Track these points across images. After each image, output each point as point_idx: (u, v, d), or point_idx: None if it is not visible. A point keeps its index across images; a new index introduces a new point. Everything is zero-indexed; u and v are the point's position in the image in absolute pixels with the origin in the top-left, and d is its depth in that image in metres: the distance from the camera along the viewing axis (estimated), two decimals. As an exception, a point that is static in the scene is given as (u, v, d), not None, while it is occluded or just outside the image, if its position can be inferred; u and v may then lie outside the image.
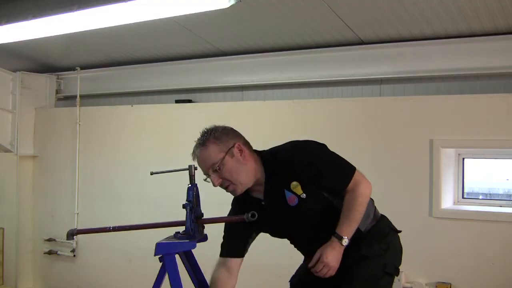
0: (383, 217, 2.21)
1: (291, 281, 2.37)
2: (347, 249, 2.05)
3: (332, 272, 1.99)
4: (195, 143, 2.12)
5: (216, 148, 2.05)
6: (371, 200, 2.18)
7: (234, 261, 2.22)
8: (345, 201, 2.00)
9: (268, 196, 2.11)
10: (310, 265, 2.03)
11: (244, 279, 3.97)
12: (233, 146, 2.05)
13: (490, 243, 3.19)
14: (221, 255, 2.25)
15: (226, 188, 2.10)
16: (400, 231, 2.21)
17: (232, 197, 2.20)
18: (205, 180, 2.10)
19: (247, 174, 2.07)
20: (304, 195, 2.02)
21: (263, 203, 2.12)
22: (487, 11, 3.03)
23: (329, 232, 2.00)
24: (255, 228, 2.18)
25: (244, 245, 2.23)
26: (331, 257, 1.97)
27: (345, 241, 1.97)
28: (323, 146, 2.13)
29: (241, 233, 2.21)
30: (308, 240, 2.14)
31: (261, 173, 2.10)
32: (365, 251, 2.07)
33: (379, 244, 2.08)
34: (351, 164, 2.07)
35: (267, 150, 2.17)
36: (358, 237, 2.07)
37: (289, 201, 2.05)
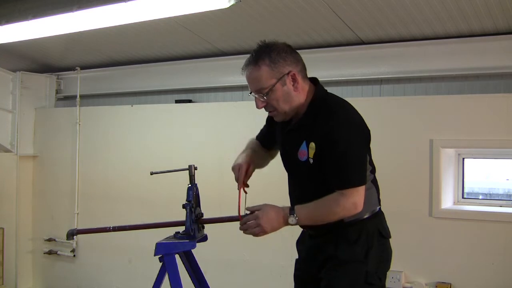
0: (377, 216, 2.05)
1: (293, 277, 2.31)
2: (324, 243, 2.01)
3: (258, 234, 1.88)
4: (248, 56, 1.98)
5: (268, 72, 1.90)
6: (377, 201, 2.07)
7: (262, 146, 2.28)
8: (328, 196, 1.86)
9: (294, 132, 2.03)
10: (244, 219, 1.92)
11: (245, 279, 3.99)
12: (287, 74, 1.91)
13: (490, 243, 3.19)
14: (256, 137, 2.31)
15: (269, 112, 2.03)
16: (389, 237, 2.08)
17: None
18: (250, 94, 2.00)
19: (295, 106, 1.96)
20: (311, 160, 1.92)
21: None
22: (487, 11, 3.03)
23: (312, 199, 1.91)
24: (278, 142, 2.17)
25: (272, 143, 2.24)
26: (269, 221, 1.87)
27: (292, 220, 1.85)
28: (361, 136, 1.96)
29: (272, 133, 2.23)
30: (297, 195, 2.07)
31: (304, 110, 1.98)
32: (343, 254, 1.95)
33: (359, 248, 1.94)
34: (363, 178, 1.90)
35: (325, 92, 2.03)
36: (335, 224, 1.94)
37: (300, 154, 1.97)
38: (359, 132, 1.96)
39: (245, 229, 1.93)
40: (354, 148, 1.91)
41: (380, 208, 2.10)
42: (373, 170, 2.09)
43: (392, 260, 2.11)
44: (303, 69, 2.00)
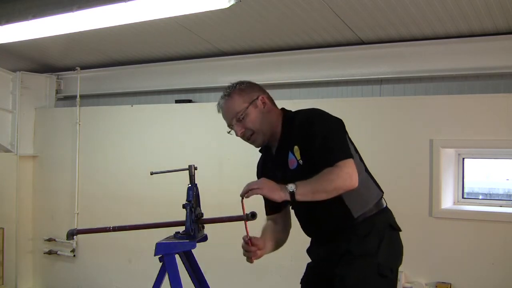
0: (385, 212, 2.13)
1: (301, 281, 2.31)
2: (334, 236, 2.05)
3: (256, 191, 1.88)
4: (220, 96, 2.18)
5: (240, 99, 2.12)
6: (378, 190, 2.13)
7: (276, 215, 2.27)
8: (323, 171, 1.91)
9: (278, 153, 2.16)
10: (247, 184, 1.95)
11: (245, 279, 3.99)
12: (256, 98, 2.13)
13: (490, 243, 3.19)
14: (266, 214, 2.31)
15: (248, 139, 2.15)
16: (400, 230, 2.14)
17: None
18: (228, 132, 2.18)
19: (269, 125, 2.13)
20: (302, 161, 2.04)
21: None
22: (487, 11, 3.03)
23: (323, 204, 1.92)
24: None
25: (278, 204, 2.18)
26: (270, 184, 1.90)
27: (291, 187, 1.86)
28: (335, 121, 2.09)
29: None
30: (302, 207, 2.09)
31: (279, 129, 2.15)
32: (356, 249, 2.00)
33: (371, 241, 2.00)
34: (349, 152, 1.99)
35: (292, 111, 2.21)
36: (347, 223, 2.02)
37: (290, 164, 2.08)
38: (331, 117, 2.10)
39: (245, 187, 1.91)
40: (332, 129, 2.05)
41: (386, 205, 2.17)
42: (361, 159, 2.15)
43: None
44: (270, 97, 2.21)
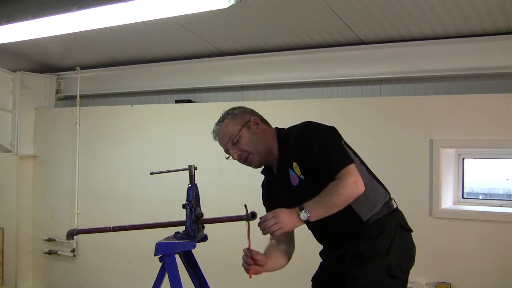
0: (396, 212, 2.15)
1: (312, 279, 2.34)
2: (346, 241, 2.07)
3: (279, 232, 1.93)
4: (215, 123, 2.23)
5: (233, 123, 2.16)
6: (385, 191, 2.15)
7: (279, 236, 2.18)
8: (328, 185, 1.95)
9: (278, 172, 2.18)
10: (262, 218, 1.97)
11: (245, 279, 3.98)
12: (249, 120, 2.17)
13: (490, 243, 3.19)
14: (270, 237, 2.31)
15: (245, 161, 2.17)
16: (411, 230, 2.16)
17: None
18: (227, 158, 2.21)
19: (265, 145, 2.15)
20: (303, 176, 2.06)
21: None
22: (487, 11, 3.04)
23: (332, 215, 1.94)
24: (280, 204, 2.13)
25: None
26: (286, 217, 1.92)
27: (303, 215, 1.91)
28: (328, 130, 2.12)
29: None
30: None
31: (276, 148, 2.17)
32: (366, 250, 2.02)
33: (381, 242, 2.02)
34: (350, 157, 2.02)
35: (285, 128, 2.24)
36: (358, 227, 2.04)
37: (292, 180, 2.10)
38: (323, 127, 2.13)
39: (264, 227, 1.95)
40: (326, 139, 2.07)
41: (397, 207, 2.18)
42: (363, 162, 2.16)
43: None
44: (264, 119, 2.25)
